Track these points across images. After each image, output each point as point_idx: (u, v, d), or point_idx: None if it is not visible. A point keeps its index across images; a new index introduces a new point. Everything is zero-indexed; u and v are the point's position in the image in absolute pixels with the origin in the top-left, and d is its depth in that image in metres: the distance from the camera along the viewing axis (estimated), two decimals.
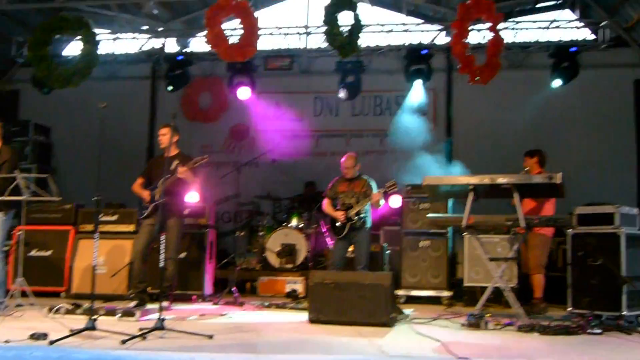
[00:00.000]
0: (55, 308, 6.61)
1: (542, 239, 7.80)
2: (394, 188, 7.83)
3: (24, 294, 6.74)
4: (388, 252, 9.59)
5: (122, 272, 8.47)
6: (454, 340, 5.40)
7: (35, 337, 5.04)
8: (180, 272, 8.15)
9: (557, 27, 12.05)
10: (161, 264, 6.05)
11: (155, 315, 5.62)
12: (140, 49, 13.41)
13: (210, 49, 10.63)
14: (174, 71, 12.53)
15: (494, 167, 7.21)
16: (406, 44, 12.28)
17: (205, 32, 10.20)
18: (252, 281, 10.00)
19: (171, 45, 13.37)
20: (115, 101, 10.40)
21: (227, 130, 13.33)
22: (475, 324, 6.17)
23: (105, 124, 5.95)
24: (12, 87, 13.65)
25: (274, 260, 9.93)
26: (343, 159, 8.18)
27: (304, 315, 6.62)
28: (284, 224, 10.47)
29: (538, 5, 12.07)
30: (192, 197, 8.71)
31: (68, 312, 6.58)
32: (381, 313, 6.23)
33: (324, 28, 10.24)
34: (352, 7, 10.02)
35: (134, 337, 5.08)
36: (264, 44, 12.54)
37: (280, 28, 12.82)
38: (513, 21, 12.13)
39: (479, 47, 10.40)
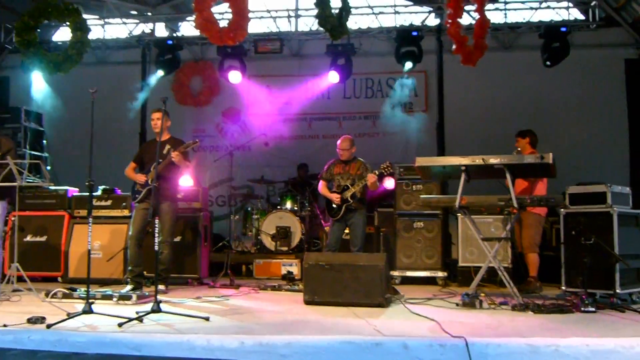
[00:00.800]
0: (52, 292, 6.63)
1: (535, 218, 7.85)
2: (389, 169, 7.84)
3: (20, 279, 6.74)
4: (382, 233, 9.62)
5: (117, 257, 8.51)
6: (448, 319, 5.44)
7: (33, 321, 5.05)
8: (175, 255, 8.16)
9: (547, 7, 12.09)
10: (156, 248, 6.06)
11: (152, 299, 5.65)
12: (130, 34, 13.34)
13: (200, 33, 10.60)
14: (164, 56, 12.47)
15: (486, 148, 7.23)
16: (397, 26, 12.26)
17: (194, 17, 10.16)
18: (248, 264, 10.05)
19: (161, 30, 13.31)
20: (106, 86, 10.41)
21: (219, 114, 13.31)
22: (469, 303, 6.22)
23: (97, 109, 5.93)
24: (2, 74, 13.57)
25: (269, 243, 9.97)
26: (339, 141, 8.20)
27: (300, 297, 6.66)
28: (278, 207, 10.50)
29: None
30: (185, 181, 8.73)
31: (65, 296, 6.60)
32: (376, 294, 6.27)
33: (314, 11, 10.22)
34: None
35: (130, 320, 5.10)
36: (254, 27, 12.50)
37: (269, 11, 12.79)
38: (503, 1, 12.15)
39: (468, 28, 10.39)
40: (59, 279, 8.75)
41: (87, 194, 5.95)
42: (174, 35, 13.10)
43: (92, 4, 12.70)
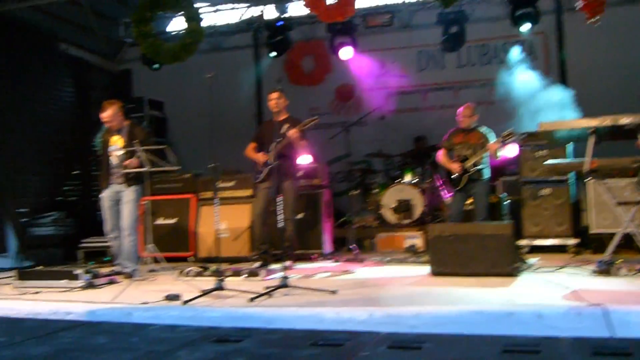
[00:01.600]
0: (185, 271, 6.91)
1: None
2: (511, 137, 7.61)
3: (155, 260, 7.06)
4: (507, 202, 9.37)
5: (243, 235, 8.74)
6: (584, 287, 5.23)
7: (170, 298, 5.29)
8: (299, 232, 8.30)
9: None
10: (280, 225, 6.17)
11: (279, 274, 5.76)
12: (240, 18, 13.56)
13: (308, 11, 10.62)
14: (275, 38, 12.60)
15: (613, 109, 6.83)
16: None
17: None
18: (370, 238, 10.06)
19: (270, 12, 13.45)
20: (221, 72, 10.62)
21: (333, 91, 13.33)
22: (606, 270, 5.94)
23: (214, 94, 6.07)
24: (124, 67, 14.21)
25: (390, 217, 9.93)
26: (460, 109, 8.04)
27: (426, 269, 6.60)
28: (397, 181, 10.43)
29: None
30: (304, 159, 8.82)
31: (197, 274, 6.87)
32: (504, 263, 6.12)
33: None
34: None
35: (260, 295, 5.23)
36: (362, 1, 12.40)
37: None
38: None
39: None
40: (190, 258, 9.12)
41: (212, 176, 6.12)
42: (283, 16, 13.21)
43: None
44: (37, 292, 6.09)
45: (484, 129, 7.96)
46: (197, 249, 9.14)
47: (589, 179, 7.66)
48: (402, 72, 12.63)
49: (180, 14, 11.38)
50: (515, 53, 11.71)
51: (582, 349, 3.55)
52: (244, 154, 8.09)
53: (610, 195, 6.59)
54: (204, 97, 6.14)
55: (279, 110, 7.36)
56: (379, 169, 11.36)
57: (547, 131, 6.70)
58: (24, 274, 6.61)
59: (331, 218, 9.37)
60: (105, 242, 8.11)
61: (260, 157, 7.83)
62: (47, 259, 9.57)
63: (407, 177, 10.36)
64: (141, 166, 7.14)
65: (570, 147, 8.51)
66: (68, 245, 10.21)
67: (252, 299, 5.12)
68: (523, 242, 8.50)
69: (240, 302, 5.13)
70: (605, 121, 6.24)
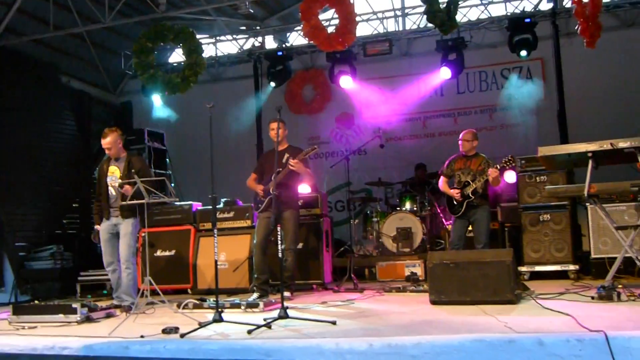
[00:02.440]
0: (183, 304, 6.86)
1: None
2: (511, 163, 7.61)
3: (153, 292, 7.01)
4: (507, 229, 9.35)
5: (243, 266, 8.70)
6: (584, 313, 5.16)
7: (167, 331, 5.23)
8: (299, 262, 8.26)
9: None
10: (280, 255, 6.12)
11: (278, 306, 5.71)
12: (241, 49, 13.71)
13: (308, 41, 10.70)
14: (275, 67, 12.72)
15: (611, 133, 6.84)
16: (508, 14, 11.88)
17: (302, 26, 10.27)
18: (370, 267, 10.01)
19: (270, 42, 13.58)
20: (221, 102, 10.71)
21: (333, 120, 13.40)
22: (606, 296, 5.87)
23: (214, 124, 6.08)
24: (125, 99, 14.30)
25: (390, 245, 9.90)
26: (462, 133, 8.07)
27: (425, 298, 6.53)
28: (397, 209, 10.41)
29: None
30: (304, 188, 8.82)
31: (195, 307, 6.81)
32: (505, 290, 6.05)
33: (421, 8, 10.09)
34: None
35: (259, 326, 5.17)
36: (362, 30, 12.52)
37: (376, 12, 12.76)
38: None
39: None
40: (189, 290, 9.06)
41: (211, 207, 6.10)
42: (283, 46, 13.33)
43: (202, 24, 13.13)
44: (33, 327, 6.04)
45: (484, 156, 7.96)
46: (195, 281, 9.08)
47: (588, 203, 7.68)
48: (401, 99, 12.67)
49: (180, 46, 11.48)
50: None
51: None
52: (246, 184, 8.07)
53: (610, 219, 6.55)
54: (204, 127, 6.15)
55: (279, 140, 7.38)
56: (379, 197, 11.35)
57: (546, 156, 6.69)
58: (20, 309, 6.55)
59: (331, 247, 9.32)
60: (104, 275, 8.07)
61: (260, 188, 7.82)
62: (44, 293, 9.56)
63: (407, 205, 10.33)
64: (139, 196, 7.12)
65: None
66: (66, 278, 10.18)
67: (250, 331, 5.06)
68: (523, 269, 8.44)
69: (239, 334, 5.07)
70: (604, 145, 6.23)
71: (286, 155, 7.66)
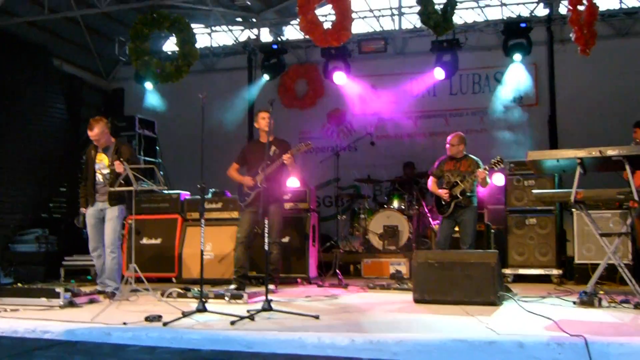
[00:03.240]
0: (167, 292, 6.86)
1: None
2: (499, 165, 7.65)
3: (138, 280, 7.01)
4: (493, 231, 9.40)
5: (228, 257, 8.68)
6: (566, 318, 5.21)
7: (150, 319, 5.24)
8: (284, 256, 8.27)
9: None
10: (266, 248, 6.13)
11: (262, 298, 5.72)
12: (236, 40, 13.69)
13: (304, 36, 10.70)
14: (269, 60, 12.71)
15: (601, 141, 6.87)
16: (504, 18, 11.92)
17: (298, 20, 10.26)
18: (356, 264, 10.04)
19: (265, 35, 13.57)
20: (214, 93, 10.70)
21: (325, 115, 13.40)
22: (588, 301, 5.93)
23: (206, 115, 6.07)
24: (117, 85, 14.24)
25: (376, 242, 9.92)
26: (449, 137, 8.09)
27: (409, 296, 6.57)
28: (385, 206, 10.43)
29: None
30: (292, 182, 8.82)
31: (179, 296, 6.82)
32: (488, 291, 6.10)
33: (417, 8, 10.08)
34: None
35: (242, 318, 5.19)
36: (357, 27, 12.55)
37: (372, 10, 12.76)
38: None
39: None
40: (174, 279, 9.06)
41: (199, 197, 6.10)
42: (279, 39, 13.31)
43: (198, 14, 13.08)
44: (15, 310, 6.02)
45: (474, 158, 8.00)
46: (180, 270, 9.08)
47: (574, 209, 7.72)
48: (393, 98, 12.69)
49: (174, 35, 11.44)
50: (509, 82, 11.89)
51: None
52: (227, 174, 7.96)
53: (595, 226, 6.59)
54: (196, 117, 6.14)
55: (268, 131, 7.35)
56: (367, 194, 11.36)
57: (535, 160, 6.71)
58: (2, 291, 6.54)
59: (317, 242, 9.34)
60: (88, 260, 8.05)
61: (248, 180, 7.72)
62: (28, 276, 9.50)
63: (395, 203, 10.36)
64: (127, 183, 7.10)
65: (556, 177, 8.54)
66: (50, 262, 10.12)
67: (233, 322, 5.08)
68: (507, 271, 8.49)
69: (222, 324, 5.09)
70: (593, 152, 6.26)
71: (273, 148, 7.61)
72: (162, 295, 6.85)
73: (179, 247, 9.18)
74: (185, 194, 9.68)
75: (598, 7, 9.54)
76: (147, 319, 5.26)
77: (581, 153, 6.31)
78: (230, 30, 13.80)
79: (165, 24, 11.19)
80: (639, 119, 7.92)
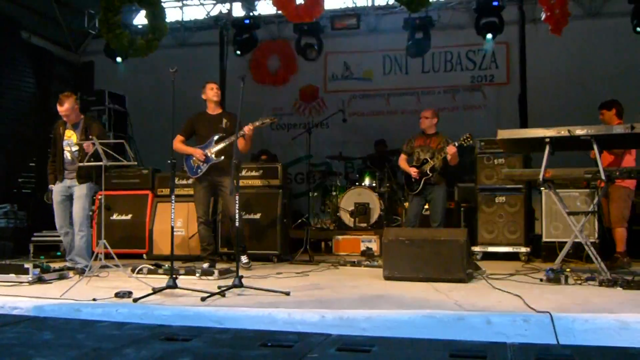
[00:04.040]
0: (137, 268, 6.83)
1: (624, 191, 7.54)
2: (469, 141, 7.69)
3: (108, 256, 6.97)
4: (463, 209, 9.49)
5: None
6: (532, 295, 5.29)
7: (120, 295, 5.22)
8: (255, 232, 8.26)
9: None
10: (237, 224, 6.10)
11: (233, 274, 5.73)
12: (208, 15, 13.53)
13: (276, 11, 10.61)
14: (241, 35, 12.59)
15: (571, 120, 6.95)
16: None
17: None
18: (327, 240, 10.09)
19: (238, 10, 13.42)
20: (185, 68, 10.54)
21: (297, 92, 13.37)
22: (554, 279, 6.03)
23: (177, 90, 6.02)
24: (87, 59, 14.02)
25: (347, 220, 9.97)
26: (423, 111, 8.14)
27: (379, 273, 6.63)
28: (356, 184, 10.47)
29: None
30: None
31: (150, 272, 6.79)
32: (457, 269, 6.18)
33: None
34: None
35: (213, 294, 5.19)
36: (330, 3, 12.49)
37: None
38: None
39: None
40: (144, 255, 9.02)
41: (169, 173, 6.06)
42: (251, 14, 13.19)
43: None
44: None
45: (445, 136, 8.03)
46: (151, 246, 9.04)
47: (543, 188, 7.83)
48: (366, 75, 12.69)
49: (144, 9, 11.30)
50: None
51: (526, 354, 3.60)
52: (174, 146, 7.40)
53: (563, 204, 6.69)
54: (167, 92, 6.07)
55: (217, 101, 7.25)
56: (339, 171, 11.39)
57: (504, 139, 6.77)
58: None
59: (288, 219, 9.34)
60: (57, 236, 7.98)
61: (199, 152, 7.43)
62: None
63: (366, 181, 10.40)
64: (96, 159, 7.02)
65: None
66: (19, 238, 10.01)
67: (204, 299, 5.08)
68: (477, 249, 8.59)
69: (192, 301, 5.09)
70: (561, 132, 6.33)
71: (224, 120, 7.49)
72: (133, 271, 6.82)
73: (150, 223, 9.14)
74: (156, 170, 9.60)
75: None
76: (117, 295, 5.24)
77: (550, 132, 6.38)
78: (202, 5, 13.64)
79: None
80: (608, 99, 7.98)
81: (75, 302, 5.02)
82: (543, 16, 9.53)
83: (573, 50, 11.38)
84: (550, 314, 4.15)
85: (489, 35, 11.21)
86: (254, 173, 8.95)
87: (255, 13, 13.35)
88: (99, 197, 8.03)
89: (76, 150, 7.29)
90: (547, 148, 6.43)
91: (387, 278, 6.43)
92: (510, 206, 8.70)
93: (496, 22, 11.23)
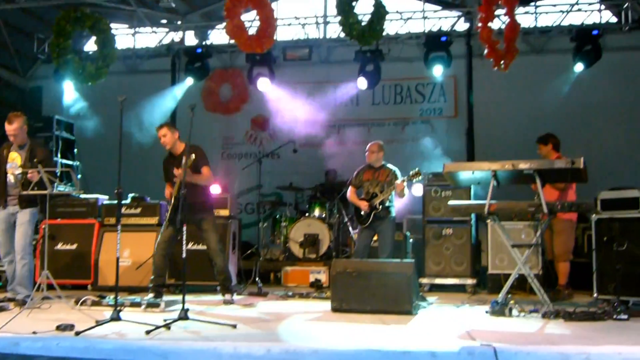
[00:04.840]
0: (81, 300, 6.69)
1: (567, 224, 7.74)
2: (417, 176, 7.79)
3: (50, 287, 6.81)
4: (411, 240, 9.57)
5: (146, 264, 8.49)
6: (477, 327, 5.38)
7: (62, 328, 5.11)
8: (202, 263, 8.17)
9: (579, 10, 11.95)
10: (183, 256, 6.03)
11: (179, 306, 5.66)
12: (160, 42, 13.52)
13: (229, 40, 10.66)
14: (193, 64, 12.58)
15: (517, 153, 7.13)
16: (425, 31, 12.21)
17: (224, 24, 10.20)
18: (276, 271, 10.01)
19: (190, 38, 13.45)
20: (136, 95, 10.52)
21: (248, 121, 13.39)
22: (499, 311, 6.13)
23: (126, 118, 5.97)
24: (35, 84, 13.82)
25: (297, 251, 9.94)
26: (369, 145, 8.19)
27: (328, 305, 6.63)
28: (306, 214, 10.47)
29: None
30: (215, 189, 8.73)
31: (94, 304, 6.66)
32: (404, 301, 6.22)
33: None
34: None
35: (158, 327, 5.13)
36: (283, 34, 12.63)
37: (298, 18, 12.85)
38: (533, 5, 12.03)
39: (498, 33, 10.27)
40: (89, 286, 8.80)
41: (117, 202, 5.98)
42: (204, 43, 13.21)
43: (122, 14, 12.85)
44: None
45: (392, 167, 8.11)
46: (96, 277, 8.84)
47: (488, 220, 7.97)
48: (317, 106, 12.76)
49: (94, 35, 11.23)
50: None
51: None
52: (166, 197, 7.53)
53: (507, 237, 6.82)
54: (116, 119, 6.01)
55: (173, 145, 7.19)
56: (289, 201, 11.39)
57: (450, 172, 6.89)
58: None
59: (237, 249, 9.27)
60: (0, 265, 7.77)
61: (167, 194, 7.45)
62: None
63: (316, 211, 10.41)
64: (40, 186, 6.87)
65: (473, 188, 8.77)
66: None
67: (148, 332, 5.01)
68: (424, 281, 8.65)
69: (137, 334, 5.01)
70: (506, 165, 6.47)
71: (192, 156, 7.45)
72: (76, 303, 6.67)
73: (96, 253, 8.93)
74: (103, 199, 9.44)
75: (519, 25, 9.86)
76: (59, 328, 5.13)
77: (495, 166, 6.53)
78: (155, 32, 13.62)
79: (87, 23, 10.97)
80: (552, 132, 8.18)
81: (14, 336, 4.89)
82: (485, 52, 9.77)
83: (518, 85, 11.70)
84: (494, 347, 4.22)
85: (437, 69, 11.47)
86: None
87: (208, 42, 13.38)
88: (43, 226, 7.86)
89: (20, 174, 7.10)
90: (492, 181, 6.58)
91: (335, 310, 6.43)
92: (457, 238, 8.79)
93: (445, 56, 11.50)
